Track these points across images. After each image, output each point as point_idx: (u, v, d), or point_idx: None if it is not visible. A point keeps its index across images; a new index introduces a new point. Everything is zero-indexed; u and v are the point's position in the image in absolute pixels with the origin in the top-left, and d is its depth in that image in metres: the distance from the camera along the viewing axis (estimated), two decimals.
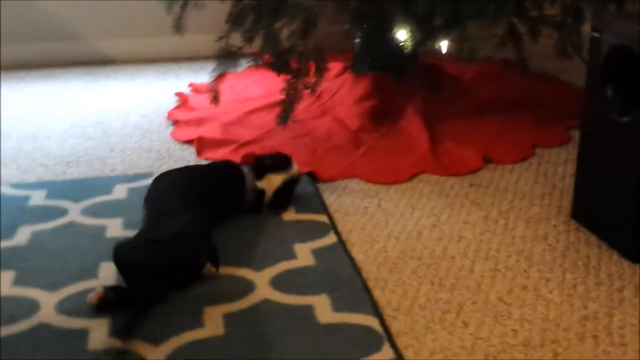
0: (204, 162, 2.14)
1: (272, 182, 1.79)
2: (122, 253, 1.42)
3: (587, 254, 1.58)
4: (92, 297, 1.39)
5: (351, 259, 1.58)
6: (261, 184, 1.79)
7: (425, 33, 2.08)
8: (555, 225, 1.71)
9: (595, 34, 1.54)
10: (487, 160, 2.09)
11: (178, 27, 2.44)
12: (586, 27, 2.19)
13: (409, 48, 2.05)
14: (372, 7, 2.20)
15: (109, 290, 1.41)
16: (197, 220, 1.54)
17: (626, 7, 2.11)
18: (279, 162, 1.84)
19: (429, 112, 2.37)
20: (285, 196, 1.82)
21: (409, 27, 2.03)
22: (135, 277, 1.40)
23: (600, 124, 1.58)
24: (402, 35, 2.06)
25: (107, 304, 1.39)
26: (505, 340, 1.31)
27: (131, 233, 1.68)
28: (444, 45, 2.11)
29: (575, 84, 2.58)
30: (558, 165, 2.05)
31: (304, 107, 2.39)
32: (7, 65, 3.07)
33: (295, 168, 1.84)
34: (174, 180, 1.74)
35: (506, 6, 1.98)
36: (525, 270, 1.53)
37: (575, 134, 2.12)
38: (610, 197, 1.58)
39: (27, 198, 1.88)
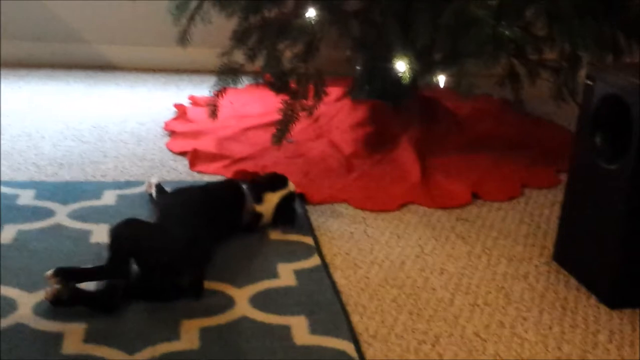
0: (195, 174, 2.15)
1: (270, 202, 1.81)
2: (119, 224, 1.50)
3: (565, 296, 1.59)
4: (47, 291, 1.39)
5: (333, 283, 1.59)
6: (260, 208, 1.79)
7: (424, 66, 2.11)
8: (536, 266, 1.72)
9: (589, 82, 1.57)
10: (476, 196, 2.11)
11: (183, 39, 2.47)
12: (583, 74, 2.23)
13: (407, 79, 2.08)
14: (374, 36, 2.23)
15: (65, 288, 1.40)
16: (191, 240, 1.53)
17: (623, 57, 2.16)
18: (275, 181, 1.85)
19: (423, 144, 2.39)
20: (286, 211, 1.83)
21: (408, 58, 2.06)
22: (113, 249, 1.45)
23: (587, 170, 1.61)
24: (401, 65, 2.09)
25: (61, 301, 1.39)
26: None
27: None
28: (441, 80, 2.14)
29: (568, 128, 2.62)
30: (545, 207, 2.07)
31: (300, 128, 2.41)
32: (7, 63, 3.09)
33: (291, 186, 1.86)
34: (187, 197, 1.75)
35: (505, 47, 2.01)
36: (503, 308, 1.54)
37: (565, 177, 2.14)
38: (592, 242, 1.60)
39: (15, 196, 1.88)
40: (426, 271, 1.67)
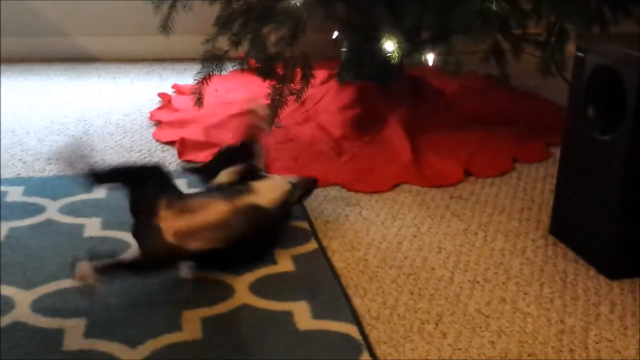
0: (184, 164, 2.13)
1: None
2: None
3: (564, 269, 1.60)
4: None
5: (331, 267, 1.58)
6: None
7: (412, 45, 2.10)
8: (533, 240, 1.73)
9: (580, 54, 1.57)
10: (468, 173, 2.11)
11: (165, 27, 2.43)
12: (570, 47, 2.23)
13: (396, 59, 2.07)
14: (361, 17, 2.21)
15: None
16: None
17: (609, 29, 2.16)
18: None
19: (412, 123, 2.38)
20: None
21: (396, 38, 2.04)
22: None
23: (581, 142, 1.61)
24: (389, 46, 2.07)
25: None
26: (483, 351, 1.32)
27: (110, 233, 1.67)
28: (430, 58, 2.13)
29: (556, 101, 2.62)
30: (537, 181, 2.08)
31: (287, 113, 2.39)
32: None
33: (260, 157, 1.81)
34: None
35: (492, 22, 2.00)
36: (503, 283, 1.54)
37: (555, 151, 2.15)
38: (588, 214, 1.61)
39: (4, 194, 1.85)
40: (424, 250, 1.67)
